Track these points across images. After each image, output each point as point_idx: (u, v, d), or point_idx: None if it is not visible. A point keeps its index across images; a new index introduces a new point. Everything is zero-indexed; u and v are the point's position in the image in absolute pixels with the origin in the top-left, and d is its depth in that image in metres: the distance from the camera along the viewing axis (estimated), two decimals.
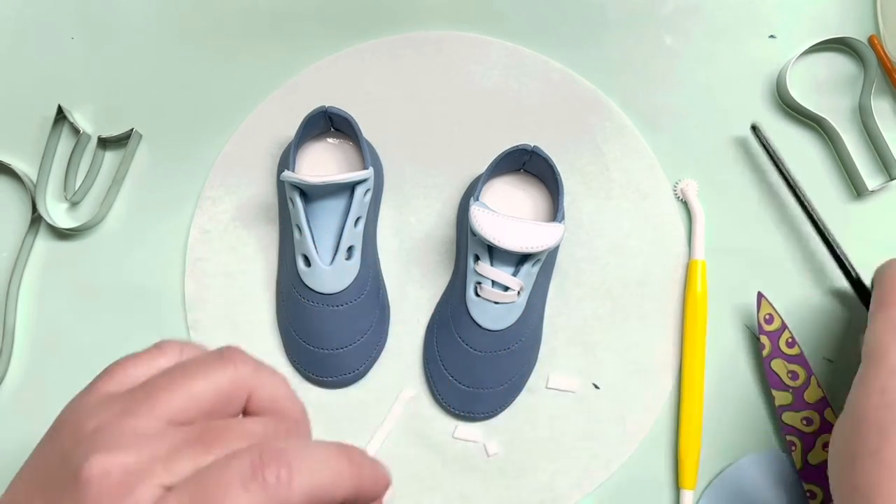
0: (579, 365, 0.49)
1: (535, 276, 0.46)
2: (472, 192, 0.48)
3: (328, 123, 0.50)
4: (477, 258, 0.46)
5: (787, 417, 0.47)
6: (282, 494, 0.22)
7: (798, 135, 0.53)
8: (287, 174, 0.44)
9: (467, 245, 0.47)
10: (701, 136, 0.53)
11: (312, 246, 0.46)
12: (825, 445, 0.46)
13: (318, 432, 0.53)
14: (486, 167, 0.47)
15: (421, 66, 0.54)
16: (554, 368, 0.49)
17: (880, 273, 0.43)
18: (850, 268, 0.47)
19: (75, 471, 0.22)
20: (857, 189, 0.51)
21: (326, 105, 0.47)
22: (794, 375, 0.47)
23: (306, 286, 0.47)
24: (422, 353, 0.50)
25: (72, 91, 0.54)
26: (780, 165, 0.49)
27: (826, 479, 0.45)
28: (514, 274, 0.45)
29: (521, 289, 0.46)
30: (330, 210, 0.47)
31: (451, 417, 0.49)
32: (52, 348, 0.51)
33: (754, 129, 0.50)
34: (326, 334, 0.48)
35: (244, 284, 0.51)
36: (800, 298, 0.50)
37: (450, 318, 0.48)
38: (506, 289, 0.45)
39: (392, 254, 0.51)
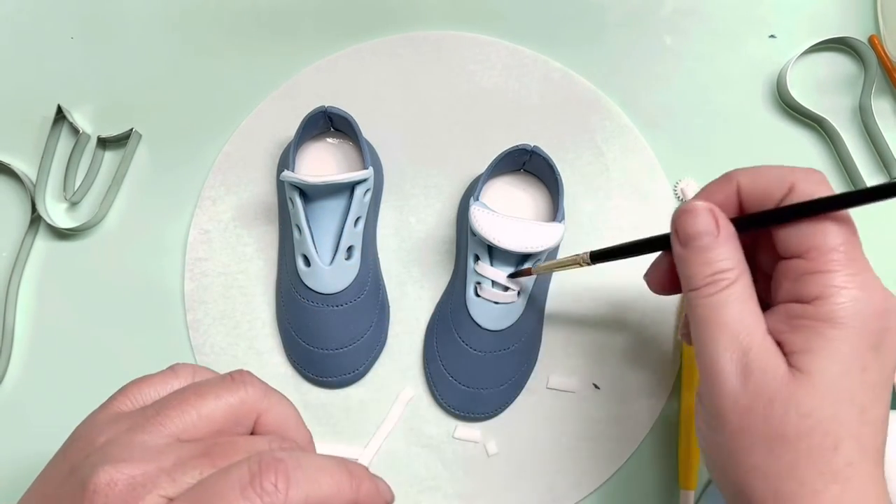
0: (579, 365, 0.49)
1: (535, 277, 0.46)
2: (472, 192, 0.48)
3: (328, 123, 0.50)
4: (477, 258, 0.46)
5: None
6: (278, 502, 0.22)
7: (798, 135, 0.53)
8: (287, 174, 0.44)
9: (467, 245, 0.47)
10: (701, 136, 0.53)
11: (312, 246, 0.46)
12: None
13: (319, 432, 0.54)
14: (486, 167, 0.47)
15: (421, 66, 0.54)
16: (554, 368, 0.49)
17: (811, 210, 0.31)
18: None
19: (83, 482, 0.23)
20: (857, 189, 0.51)
21: (326, 105, 0.47)
22: None
23: (306, 286, 0.47)
24: (422, 353, 0.50)
25: (71, 91, 0.54)
26: None
27: None
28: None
29: (521, 289, 0.46)
30: (330, 210, 0.47)
31: (451, 417, 0.49)
32: (52, 348, 0.51)
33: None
34: (326, 334, 0.48)
35: (244, 284, 0.51)
36: None
37: (450, 318, 0.48)
38: (506, 289, 0.45)
39: (392, 254, 0.51)
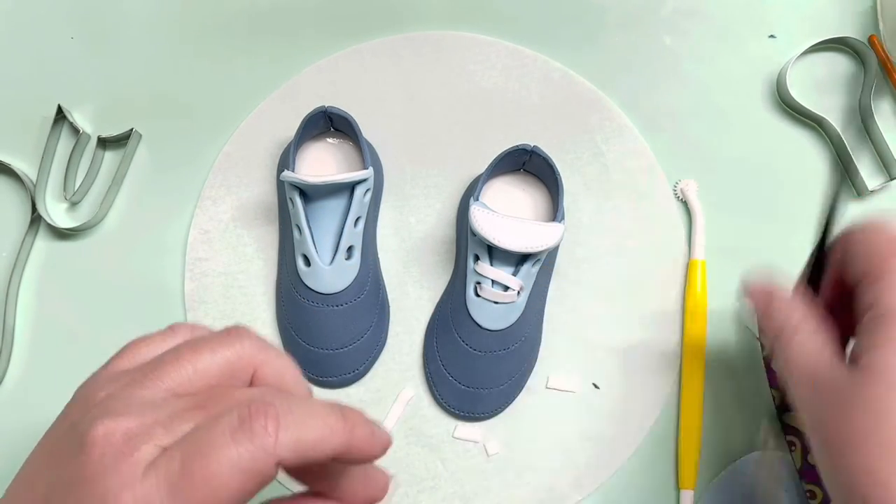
0: (579, 365, 0.49)
1: (535, 276, 0.46)
2: (472, 191, 0.48)
3: (328, 123, 0.50)
4: (477, 258, 0.46)
5: (788, 417, 0.47)
6: (268, 444, 0.22)
7: (798, 135, 0.53)
8: (287, 174, 0.44)
9: (467, 245, 0.47)
10: (701, 136, 0.53)
11: (312, 246, 0.46)
12: None
13: None
14: (486, 167, 0.47)
15: (421, 66, 0.54)
16: (554, 368, 0.49)
17: (862, 241, 0.35)
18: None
19: (82, 435, 0.23)
20: (857, 189, 0.51)
21: (326, 105, 0.47)
22: None
23: (306, 286, 0.47)
24: (422, 353, 0.50)
25: (71, 91, 0.54)
26: None
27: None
28: (514, 274, 0.45)
29: (521, 289, 0.46)
30: (330, 210, 0.47)
31: (451, 417, 0.49)
32: (52, 348, 0.51)
33: None
34: (326, 334, 0.48)
35: (244, 284, 0.51)
36: None
37: (450, 317, 0.48)
38: (506, 289, 0.45)
39: (392, 254, 0.51)
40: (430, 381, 0.49)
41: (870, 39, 0.53)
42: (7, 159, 0.52)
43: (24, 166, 0.53)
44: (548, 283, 0.50)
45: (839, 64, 0.54)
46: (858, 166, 0.51)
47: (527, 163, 0.49)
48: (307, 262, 0.47)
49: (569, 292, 0.50)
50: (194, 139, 0.53)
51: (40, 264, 0.52)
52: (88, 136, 0.53)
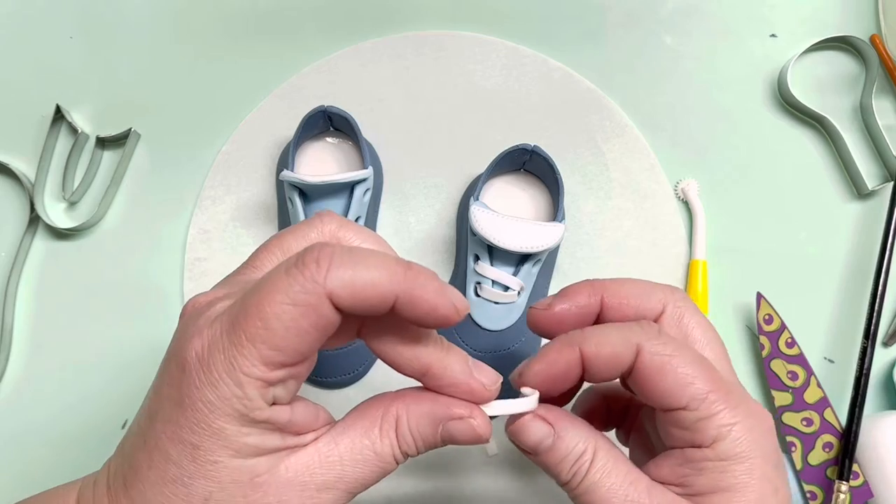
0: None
1: (535, 276, 0.46)
2: (472, 191, 0.48)
3: (327, 123, 0.50)
4: (477, 258, 0.46)
5: (787, 418, 0.47)
6: (319, 277, 0.23)
7: (799, 133, 0.53)
8: (286, 174, 0.44)
9: (467, 245, 0.46)
10: (701, 135, 0.53)
11: None
12: (825, 446, 0.46)
13: None
14: (486, 167, 0.47)
15: (421, 66, 0.53)
16: None
17: (649, 357, 0.28)
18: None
19: (181, 311, 0.27)
20: (857, 188, 0.51)
21: (326, 104, 0.47)
22: (793, 376, 0.47)
23: None
24: None
25: (70, 90, 0.54)
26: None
27: (826, 479, 0.45)
28: (515, 274, 0.45)
29: (522, 289, 0.45)
30: (329, 210, 0.46)
31: None
32: (51, 348, 0.50)
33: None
34: None
35: None
36: (800, 298, 0.50)
37: None
38: (506, 289, 0.45)
39: None
40: None
41: (871, 38, 0.53)
42: (6, 159, 0.52)
43: (23, 166, 0.53)
44: (548, 283, 0.50)
45: (840, 63, 0.54)
46: (859, 165, 0.50)
47: (527, 162, 0.48)
48: None
49: None
50: (193, 139, 0.53)
51: (39, 264, 0.52)
52: (87, 136, 0.53)
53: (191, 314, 0.25)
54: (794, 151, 0.52)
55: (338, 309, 0.24)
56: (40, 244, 0.52)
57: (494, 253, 0.45)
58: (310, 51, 0.54)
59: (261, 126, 0.52)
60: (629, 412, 0.34)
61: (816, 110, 0.51)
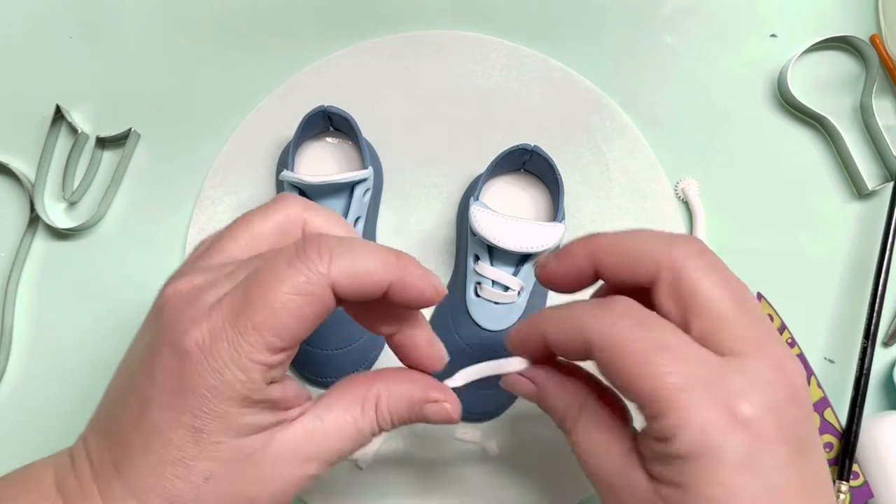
0: (579, 365, 0.49)
1: (534, 276, 0.46)
2: (472, 191, 0.48)
3: (327, 123, 0.50)
4: (477, 258, 0.46)
5: None
6: (322, 268, 0.25)
7: (799, 134, 0.53)
8: (286, 174, 0.44)
9: (467, 245, 0.46)
10: (701, 135, 0.53)
11: None
12: (826, 446, 0.46)
13: None
14: (486, 167, 0.47)
15: (421, 66, 0.53)
16: None
17: (602, 339, 0.27)
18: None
19: (158, 300, 0.27)
20: (857, 188, 0.51)
21: (325, 104, 0.47)
22: None
23: None
24: None
25: (70, 90, 0.54)
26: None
27: None
28: (515, 274, 0.45)
29: (522, 289, 0.45)
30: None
31: None
32: (51, 348, 0.50)
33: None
34: (326, 335, 0.47)
35: None
36: (800, 298, 0.50)
37: (449, 318, 0.48)
38: (506, 289, 0.45)
39: None
40: None
41: (871, 38, 0.53)
42: (5, 159, 0.52)
43: (23, 166, 0.53)
44: None
45: (840, 63, 0.54)
46: (859, 165, 0.50)
47: (527, 162, 0.48)
48: None
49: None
50: (193, 139, 0.53)
51: (39, 264, 0.52)
52: (87, 136, 0.53)
53: (175, 302, 0.26)
54: (794, 151, 0.52)
55: (336, 296, 0.26)
56: (40, 244, 0.52)
57: (494, 253, 0.45)
58: (310, 51, 0.54)
59: (261, 126, 0.52)
60: None
61: (816, 110, 0.51)
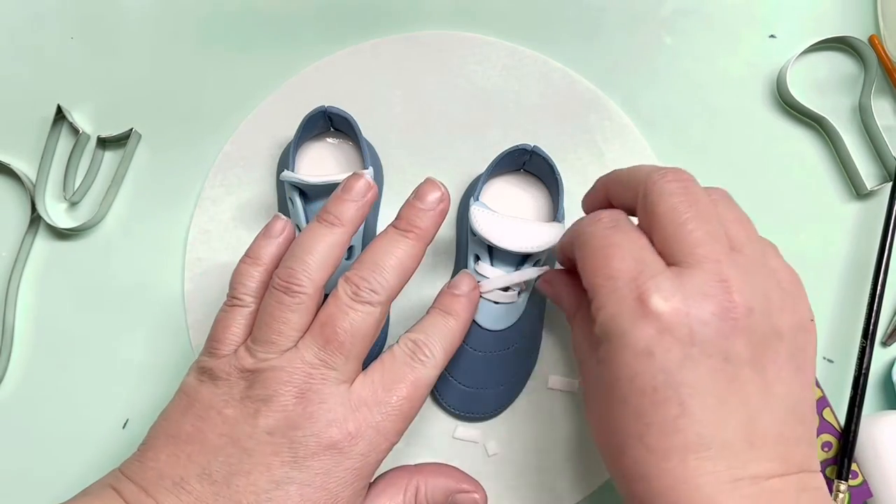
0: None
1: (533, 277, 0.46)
2: (472, 192, 0.48)
3: (328, 123, 0.50)
4: (477, 258, 0.46)
5: None
6: (438, 364, 0.37)
7: (798, 134, 0.53)
8: (286, 174, 0.44)
9: (467, 245, 0.47)
10: (701, 135, 0.53)
11: None
12: (824, 445, 0.46)
13: None
14: (485, 167, 0.47)
15: (421, 66, 0.54)
16: (554, 368, 0.49)
17: (579, 236, 0.34)
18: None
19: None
20: (856, 189, 0.51)
21: (326, 105, 0.47)
22: None
23: None
24: None
25: (71, 90, 0.54)
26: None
27: (825, 478, 0.45)
28: None
29: (522, 289, 0.46)
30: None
31: (451, 417, 0.49)
32: (52, 348, 0.51)
33: None
34: None
35: None
36: None
37: None
38: (506, 289, 0.45)
39: None
40: None
41: (870, 39, 0.53)
42: (6, 159, 0.52)
43: (24, 166, 0.53)
44: None
45: (839, 63, 0.54)
46: (858, 166, 0.51)
47: (527, 163, 0.49)
48: None
49: None
50: (194, 139, 0.53)
51: (40, 264, 0.52)
52: (88, 136, 0.53)
53: (301, 386, 0.34)
54: (792, 152, 0.53)
55: None
56: (41, 244, 0.52)
57: (494, 253, 0.45)
58: (310, 51, 0.54)
59: (261, 126, 0.53)
60: None
61: (815, 111, 0.51)
